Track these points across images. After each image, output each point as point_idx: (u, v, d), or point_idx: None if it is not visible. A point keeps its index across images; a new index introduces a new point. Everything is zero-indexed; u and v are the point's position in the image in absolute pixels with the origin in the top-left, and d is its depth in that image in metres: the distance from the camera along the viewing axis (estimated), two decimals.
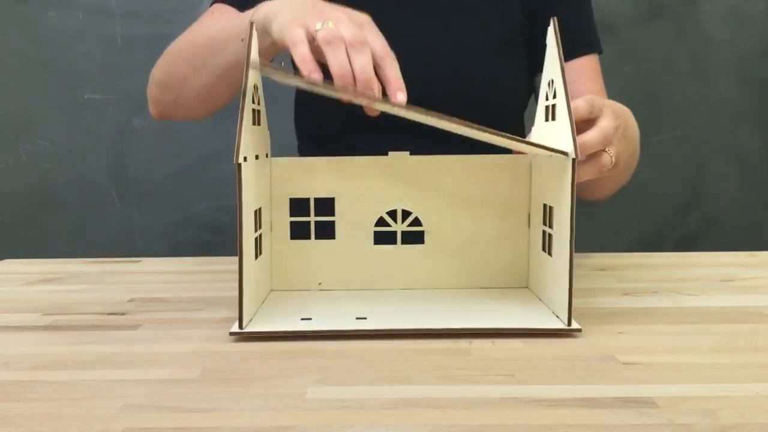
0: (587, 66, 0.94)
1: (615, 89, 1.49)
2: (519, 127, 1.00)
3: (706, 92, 1.51)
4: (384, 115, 0.94)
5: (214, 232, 1.51)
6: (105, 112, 1.48)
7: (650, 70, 1.50)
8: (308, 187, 0.68)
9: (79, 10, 1.45)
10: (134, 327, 0.60)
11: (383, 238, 0.69)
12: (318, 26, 0.59)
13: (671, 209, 1.55)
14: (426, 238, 0.69)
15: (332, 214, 0.69)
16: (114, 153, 1.49)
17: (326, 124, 0.97)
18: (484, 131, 0.55)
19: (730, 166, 1.53)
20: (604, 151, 0.62)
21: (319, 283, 0.70)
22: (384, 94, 0.60)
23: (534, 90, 0.99)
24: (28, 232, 1.51)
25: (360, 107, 0.94)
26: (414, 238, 0.69)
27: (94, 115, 1.48)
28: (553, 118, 0.60)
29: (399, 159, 0.68)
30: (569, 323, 0.56)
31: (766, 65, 1.51)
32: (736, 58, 1.50)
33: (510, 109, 0.96)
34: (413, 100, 0.92)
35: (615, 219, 1.53)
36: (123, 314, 0.64)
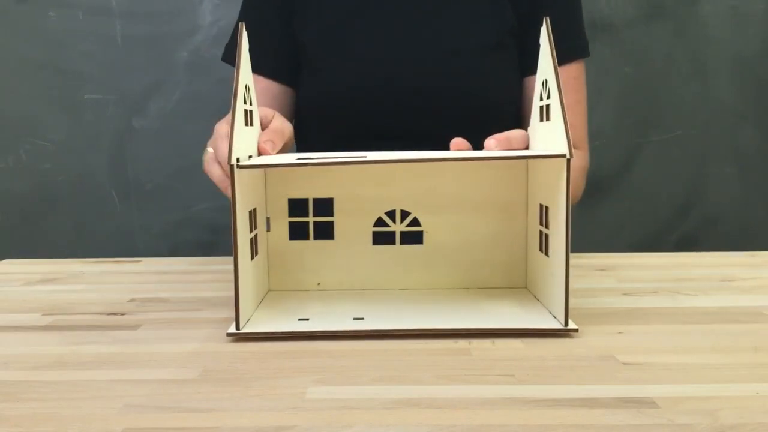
0: (566, 75, 0.93)
1: (615, 89, 1.50)
2: (515, 127, 1.00)
3: (706, 92, 1.51)
4: (385, 125, 0.94)
5: (214, 232, 1.51)
6: (105, 112, 1.48)
7: (650, 70, 1.50)
8: (307, 187, 0.68)
9: (79, 10, 1.45)
10: (134, 327, 0.60)
11: (382, 238, 0.69)
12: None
13: (671, 209, 1.55)
14: (424, 238, 0.69)
15: (331, 214, 0.69)
16: (114, 153, 1.49)
17: (324, 134, 0.97)
18: (476, 158, 0.57)
19: (730, 166, 1.53)
20: None
21: (318, 284, 0.70)
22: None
23: (523, 91, 0.98)
24: (28, 232, 1.51)
25: (362, 117, 0.95)
26: (412, 238, 0.69)
27: (94, 115, 1.48)
28: (548, 119, 0.60)
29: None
30: (566, 323, 0.56)
31: (766, 65, 1.51)
32: (736, 58, 1.50)
33: (505, 111, 0.96)
34: (409, 108, 0.93)
35: (615, 219, 1.53)
36: (123, 314, 0.64)
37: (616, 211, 1.52)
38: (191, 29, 1.47)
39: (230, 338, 0.55)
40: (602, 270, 0.81)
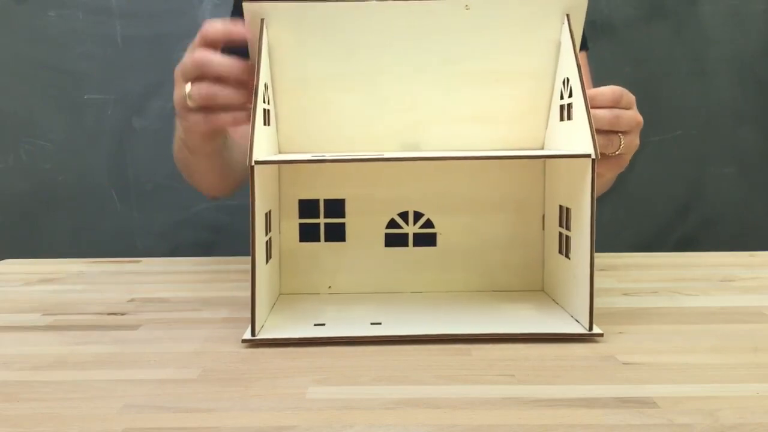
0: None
1: None
2: None
3: (706, 92, 1.51)
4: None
5: (214, 232, 1.51)
6: (105, 112, 1.48)
7: (650, 70, 1.49)
8: (318, 188, 0.67)
9: (79, 10, 1.45)
10: (134, 327, 0.60)
11: (395, 240, 0.68)
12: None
13: (671, 209, 1.55)
14: (438, 240, 0.68)
15: (342, 215, 0.67)
16: (114, 153, 1.49)
17: None
18: (494, 157, 0.56)
19: (730, 166, 1.53)
20: (616, 134, 0.61)
21: (329, 287, 0.68)
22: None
23: None
24: (28, 232, 1.51)
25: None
26: (426, 240, 0.68)
27: (94, 115, 1.48)
28: (569, 118, 0.58)
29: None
30: (591, 327, 0.55)
31: (766, 65, 1.51)
32: (736, 58, 1.50)
33: None
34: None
35: (615, 219, 1.53)
36: (123, 314, 0.64)
37: (616, 211, 1.52)
38: (191, 29, 1.46)
39: (230, 338, 0.55)
40: (602, 270, 0.81)
